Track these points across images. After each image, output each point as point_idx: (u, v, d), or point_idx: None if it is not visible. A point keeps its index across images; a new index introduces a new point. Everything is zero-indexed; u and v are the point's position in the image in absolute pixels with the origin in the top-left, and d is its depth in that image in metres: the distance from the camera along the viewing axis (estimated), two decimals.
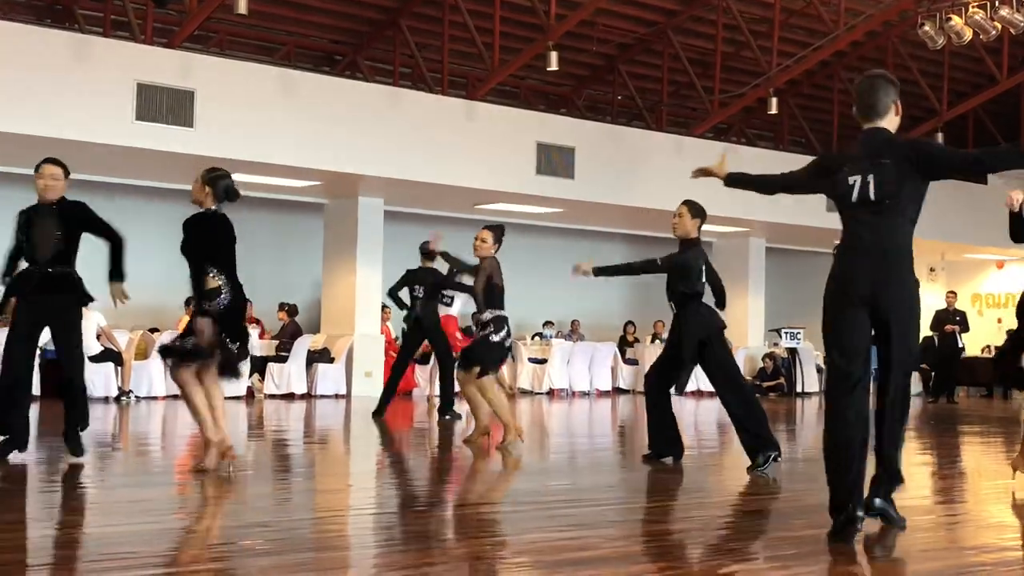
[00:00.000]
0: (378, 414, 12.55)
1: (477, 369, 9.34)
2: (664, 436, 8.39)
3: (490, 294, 9.40)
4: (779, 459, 8.04)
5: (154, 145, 13.78)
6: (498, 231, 9.61)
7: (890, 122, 5.46)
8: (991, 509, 7.04)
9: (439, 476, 8.19)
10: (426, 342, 13.53)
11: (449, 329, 15.53)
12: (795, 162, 23.36)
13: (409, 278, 12.78)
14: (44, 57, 13.18)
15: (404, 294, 12.79)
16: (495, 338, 9.32)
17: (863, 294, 5.25)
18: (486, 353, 9.38)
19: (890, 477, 5.41)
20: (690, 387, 19.95)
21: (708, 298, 8.58)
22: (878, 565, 4.97)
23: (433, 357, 14.72)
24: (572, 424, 13.82)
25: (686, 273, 8.33)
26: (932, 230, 22.15)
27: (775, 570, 4.69)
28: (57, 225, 7.31)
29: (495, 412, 9.43)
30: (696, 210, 8.53)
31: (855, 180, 5.31)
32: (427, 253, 12.54)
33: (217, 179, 7.13)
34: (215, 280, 6.95)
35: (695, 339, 8.16)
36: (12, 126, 12.94)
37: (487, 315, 9.39)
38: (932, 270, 25.63)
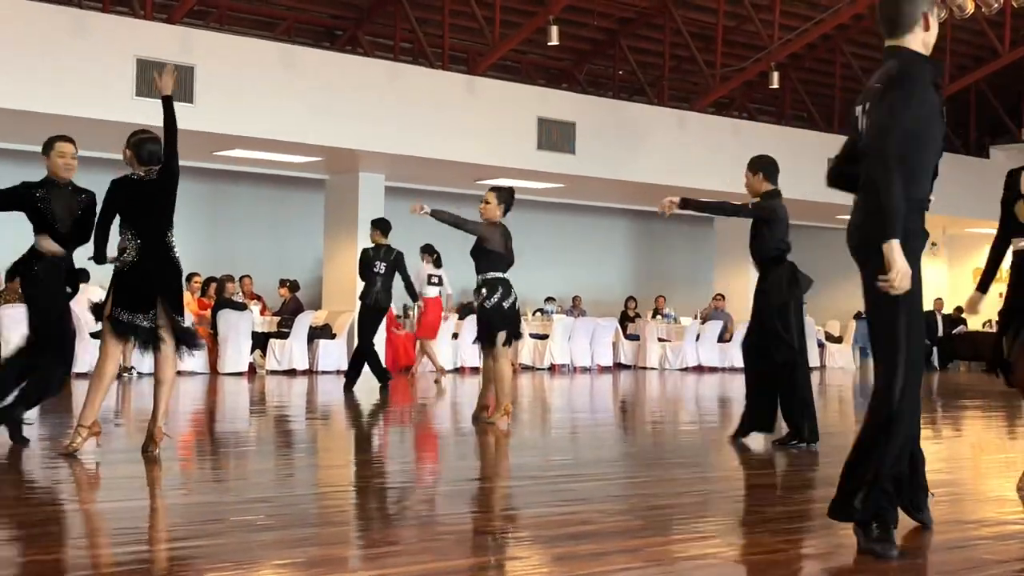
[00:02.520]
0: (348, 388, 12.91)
1: (501, 340, 9.12)
2: (757, 412, 8.16)
3: (481, 257, 9.19)
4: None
5: (154, 121, 13.65)
6: (503, 193, 9.31)
7: (916, 39, 4.38)
8: (991, 483, 7.05)
9: (441, 451, 8.21)
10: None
11: (431, 314, 15.61)
12: (797, 136, 23.41)
13: (371, 257, 12.99)
14: (44, 33, 13.14)
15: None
16: (487, 304, 9.08)
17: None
18: (485, 324, 9.20)
19: None
20: (691, 362, 19.99)
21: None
22: None
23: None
24: (573, 399, 13.84)
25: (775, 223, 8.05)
26: (934, 205, 22.14)
27: (777, 543, 4.70)
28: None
29: (495, 382, 9.25)
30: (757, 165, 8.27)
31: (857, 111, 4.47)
32: (384, 229, 12.97)
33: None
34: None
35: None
36: (12, 102, 12.90)
37: (478, 279, 9.22)
38: (933, 244, 25.58)
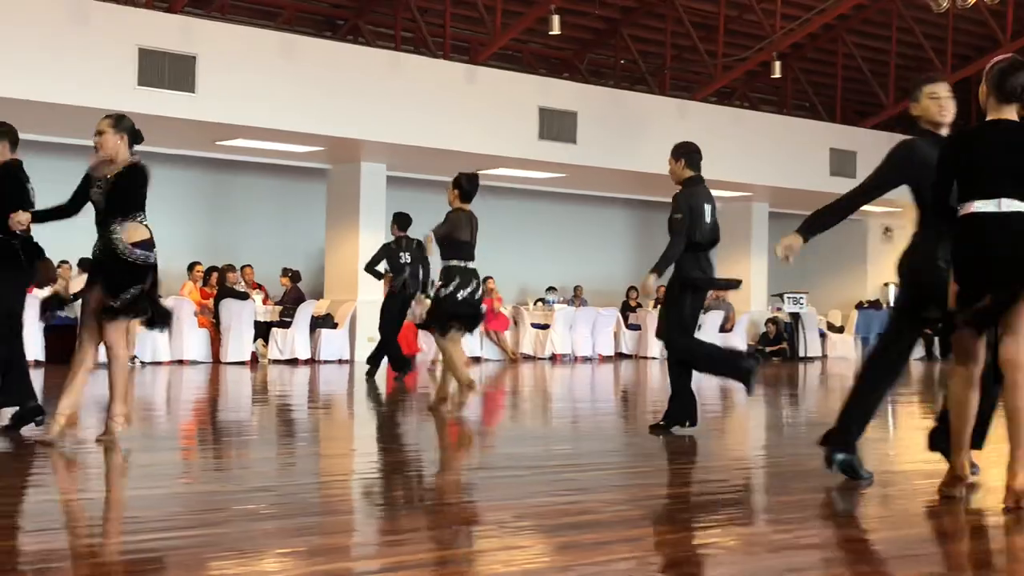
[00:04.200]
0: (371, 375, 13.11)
1: (454, 329, 9.20)
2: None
3: (444, 245, 9.24)
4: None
5: (156, 111, 13.74)
6: (457, 179, 9.34)
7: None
8: (994, 472, 7.06)
9: (442, 441, 8.22)
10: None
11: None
12: (799, 126, 23.34)
13: (395, 250, 13.23)
14: (46, 22, 13.14)
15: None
16: (443, 291, 9.09)
17: None
18: (434, 310, 9.24)
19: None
20: None
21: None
22: (878, 528, 4.99)
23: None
24: (574, 389, 13.85)
25: None
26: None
27: (777, 533, 4.72)
28: None
29: (450, 369, 9.29)
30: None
31: None
32: (403, 223, 13.19)
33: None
34: None
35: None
36: (14, 91, 12.90)
37: (441, 266, 9.26)
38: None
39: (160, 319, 6.96)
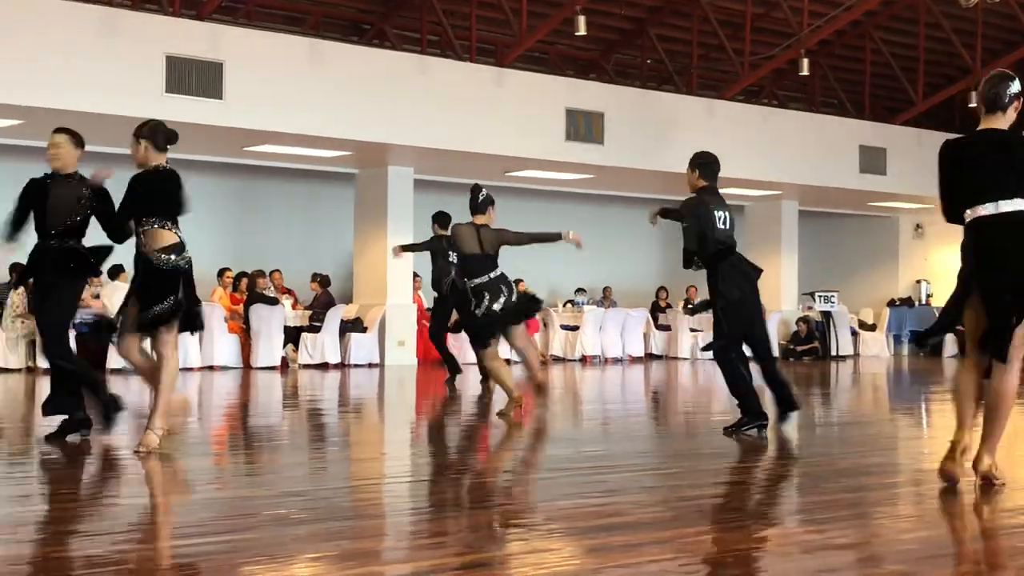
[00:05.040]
0: (452, 380, 13.04)
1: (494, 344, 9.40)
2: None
3: (463, 265, 9.47)
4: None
5: (184, 118, 13.78)
6: (470, 194, 9.52)
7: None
8: (1021, 473, 7.00)
9: (472, 444, 8.22)
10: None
11: None
12: (828, 124, 23.18)
13: (440, 246, 13.10)
14: (75, 31, 13.23)
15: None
16: (477, 311, 9.27)
17: None
18: (471, 328, 9.50)
19: None
20: None
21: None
22: (913, 528, 4.95)
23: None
24: (605, 391, 13.83)
25: None
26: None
27: (808, 533, 4.69)
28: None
29: (497, 381, 9.52)
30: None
31: None
32: (444, 222, 13.08)
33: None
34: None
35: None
36: (44, 100, 13.00)
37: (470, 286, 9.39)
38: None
39: (189, 322, 6.97)
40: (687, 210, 8.02)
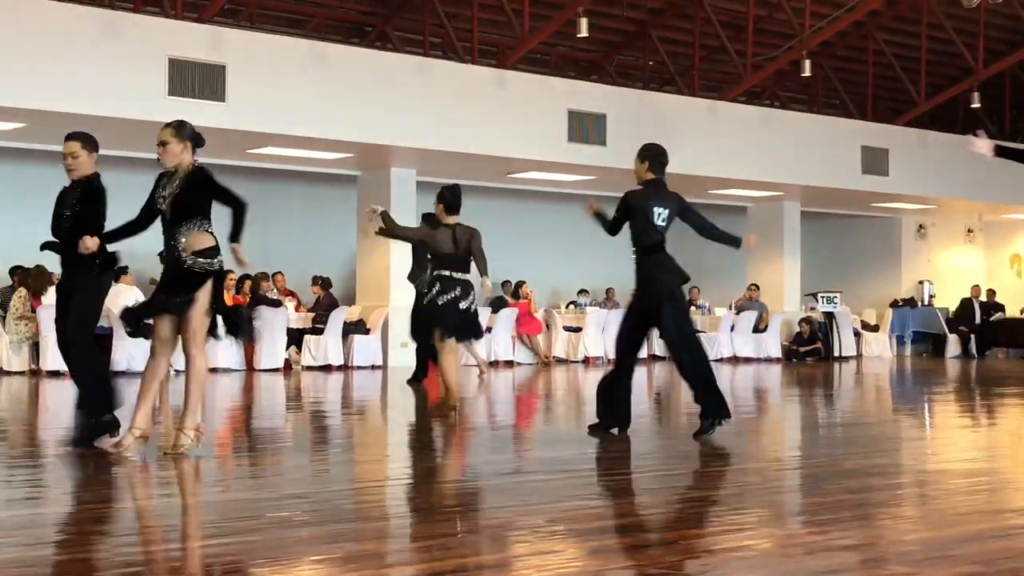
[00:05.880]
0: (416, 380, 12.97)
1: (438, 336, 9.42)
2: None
3: (431, 257, 9.55)
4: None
5: (187, 120, 13.81)
6: (442, 193, 9.53)
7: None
8: None
9: (475, 446, 8.22)
10: None
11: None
12: (830, 124, 23.15)
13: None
14: (77, 34, 13.24)
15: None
16: (427, 300, 9.45)
17: None
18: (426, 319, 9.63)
19: None
20: (726, 352, 19.93)
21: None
22: (916, 529, 4.94)
23: None
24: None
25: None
26: (970, 190, 21.99)
27: (811, 535, 4.69)
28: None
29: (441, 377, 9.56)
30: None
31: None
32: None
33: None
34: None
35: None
36: (47, 104, 13.01)
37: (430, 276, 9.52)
38: (970, 231, 25.37)
39: (232, 327, 6.98)
40: (621, 202, 8.11)
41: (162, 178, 6.88)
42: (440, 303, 9.22)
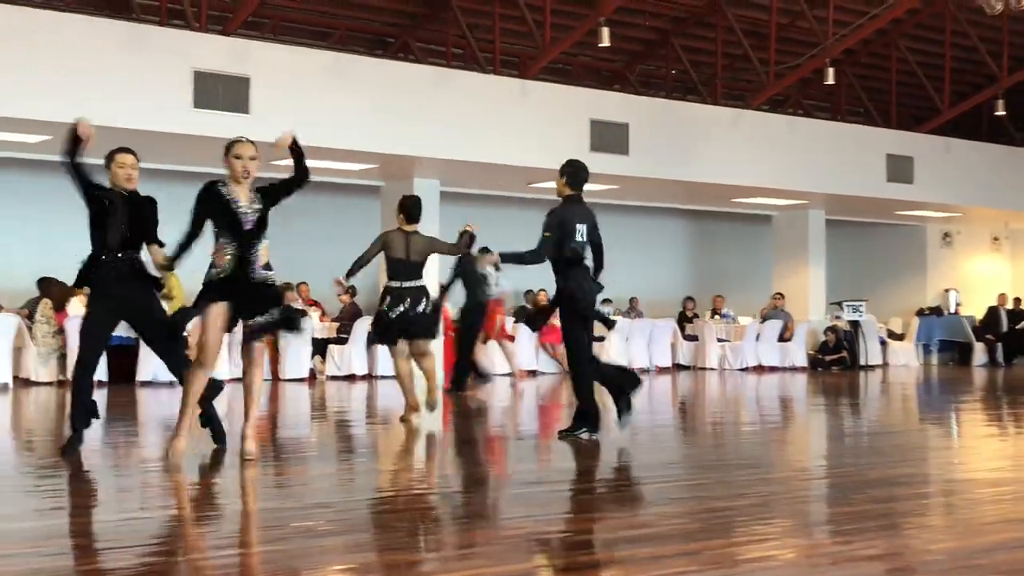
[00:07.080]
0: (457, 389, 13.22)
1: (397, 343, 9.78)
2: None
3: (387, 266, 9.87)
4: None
5: (212, 132, 13.88)
6: (401, 203, 9.88)
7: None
8: None
9: (499, 455, 8.22)
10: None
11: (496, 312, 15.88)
12: (854, 133, 23.04)
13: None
14: (101, 47, 13.34)
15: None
16: (383, 311, 9.74)
17: None
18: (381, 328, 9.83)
19: None
20: (751, 362, 19.87)
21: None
22: (942, 539, 4.92)
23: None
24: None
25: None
26: (995, 198, 21.87)
27: (836, 545, 4.67)
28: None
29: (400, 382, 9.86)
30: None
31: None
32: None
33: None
34: None
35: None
36: (72, 116, 13.05)
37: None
38: (996, 239, 25.22)
39: (288, 323, 7.19)
40: (553, 220, 8.27)
41: (220, 191, 6.99)
42: (393, 316, 9.53)
